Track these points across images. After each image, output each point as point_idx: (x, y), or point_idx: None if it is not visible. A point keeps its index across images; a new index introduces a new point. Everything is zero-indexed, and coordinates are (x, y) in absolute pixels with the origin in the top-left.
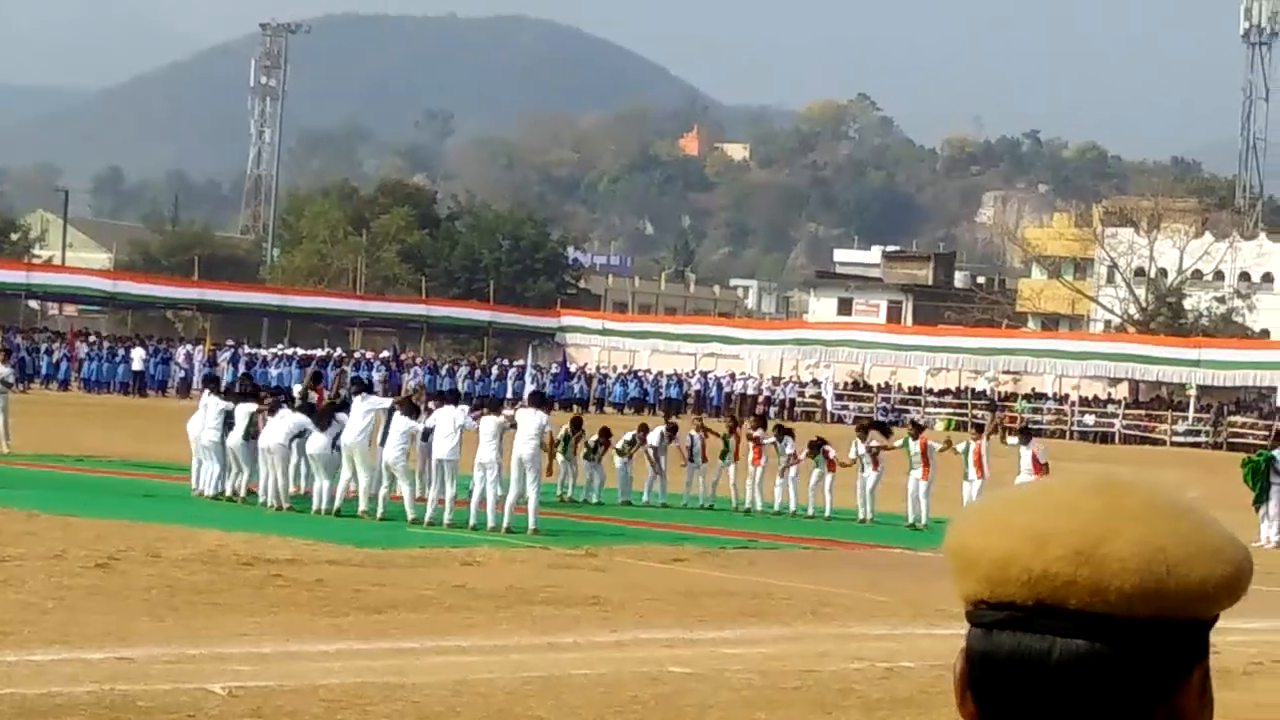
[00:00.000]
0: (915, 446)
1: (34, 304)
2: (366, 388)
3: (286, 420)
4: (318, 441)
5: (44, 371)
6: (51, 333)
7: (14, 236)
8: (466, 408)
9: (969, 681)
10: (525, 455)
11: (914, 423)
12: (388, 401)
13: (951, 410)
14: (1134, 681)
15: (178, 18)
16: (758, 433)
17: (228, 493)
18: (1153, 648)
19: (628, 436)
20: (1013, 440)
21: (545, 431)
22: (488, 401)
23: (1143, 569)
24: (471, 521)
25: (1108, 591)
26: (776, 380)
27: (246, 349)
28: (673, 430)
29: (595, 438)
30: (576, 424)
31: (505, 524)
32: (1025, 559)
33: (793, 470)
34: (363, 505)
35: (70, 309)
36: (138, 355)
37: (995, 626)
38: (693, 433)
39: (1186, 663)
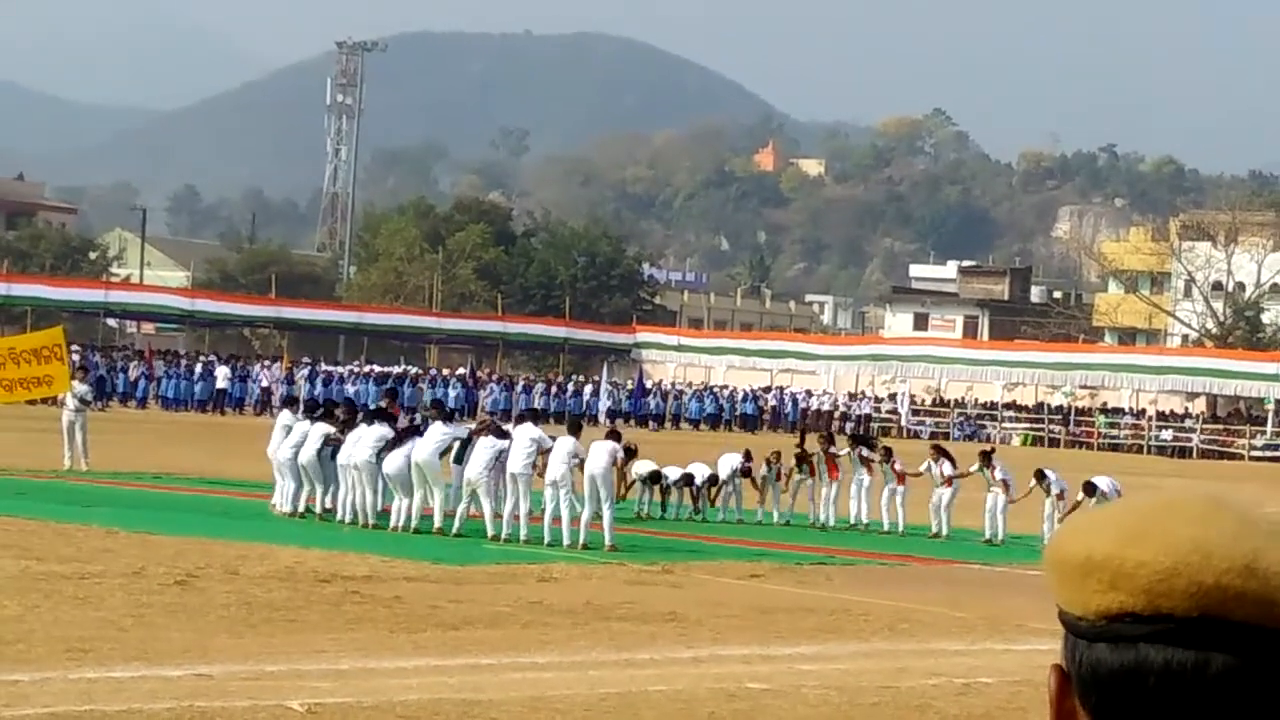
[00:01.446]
0: (988, 474)
1: (112, 322)
2: (446, 415)
3: (370, 434)
4: (394, 461)
5: (121, 389)
6: (130, 350)
7: (92, 255)
8: (540, 429)
9: (1087, 701)
10: (598, 473)
11: (983, 453)
12: (464, 430)
13: (1028, 425)
14: (1278, 699)
15: (251, 37)
16: (832, 448)
17: (301, 509)
18: None
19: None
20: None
21: (617, 455)
22: (567, 419)
23: None
24: (546, 539)
25: (1274, 605)
26: (852, 396)
27: (323, 366)
28: (748, 459)
29: (676, 478)
30: (630, 452)
31: (581, 540)
32: (1193, 571)
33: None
34: (438, 523)
35: (148, 327)
36: (222, 373)
37: (1144, 640)
38: (764, 470)
39: None
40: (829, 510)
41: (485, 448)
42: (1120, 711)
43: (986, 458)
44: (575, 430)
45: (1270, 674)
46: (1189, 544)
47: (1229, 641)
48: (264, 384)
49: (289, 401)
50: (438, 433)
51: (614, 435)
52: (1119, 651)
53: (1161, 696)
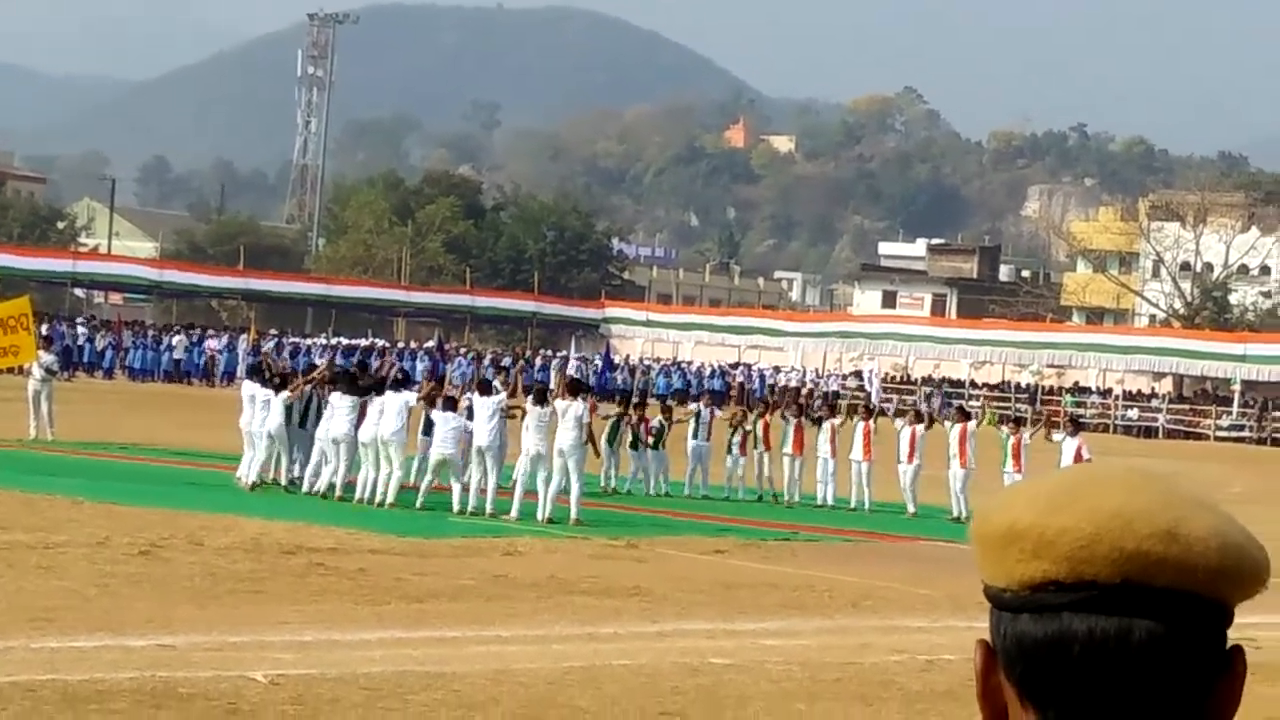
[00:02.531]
0: (955, 433)
1: (80, 293)
2: (405, 381)
3: (344, 406)
4: (367, 432)
5: (87, 359)
6: (98, 321)
7: (60, 225)
8: (503, 396)
9: (1012, 672)
10: (566, 445)
11: (961, 409)
12: (412, 397)
13: (995, 404)
14: (1200, 664)
15: (223, 8)
16: (800, 421)
17: (269, 480)
18: (1215, 631)
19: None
20: (1058, 437)
21: (584, 422)
22: (534, 389)
23: (1220, 550)
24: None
25: (1195, 570)
26: (820, 373)
27: (291, 338)
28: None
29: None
30: (620, 417)
31: (546, 514)
32: (1115, 537)
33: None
34: (390, 498)
35: (116, 298)
36: (179, 342)
37: (1068, 609)
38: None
39: (1226, 651)
40: (794, 489)
41: (448, 423)
42: (1045, 682)
43: (964, 415)
44: (541, 399)
45: (1192, 640)
46: (1111, 511)
47: (1151, 608)
48: (210, 352)
49: (253, 371)
50: (397, 403)
51: (575, 388)
52: (1043, 622)
53: (1086, 665)
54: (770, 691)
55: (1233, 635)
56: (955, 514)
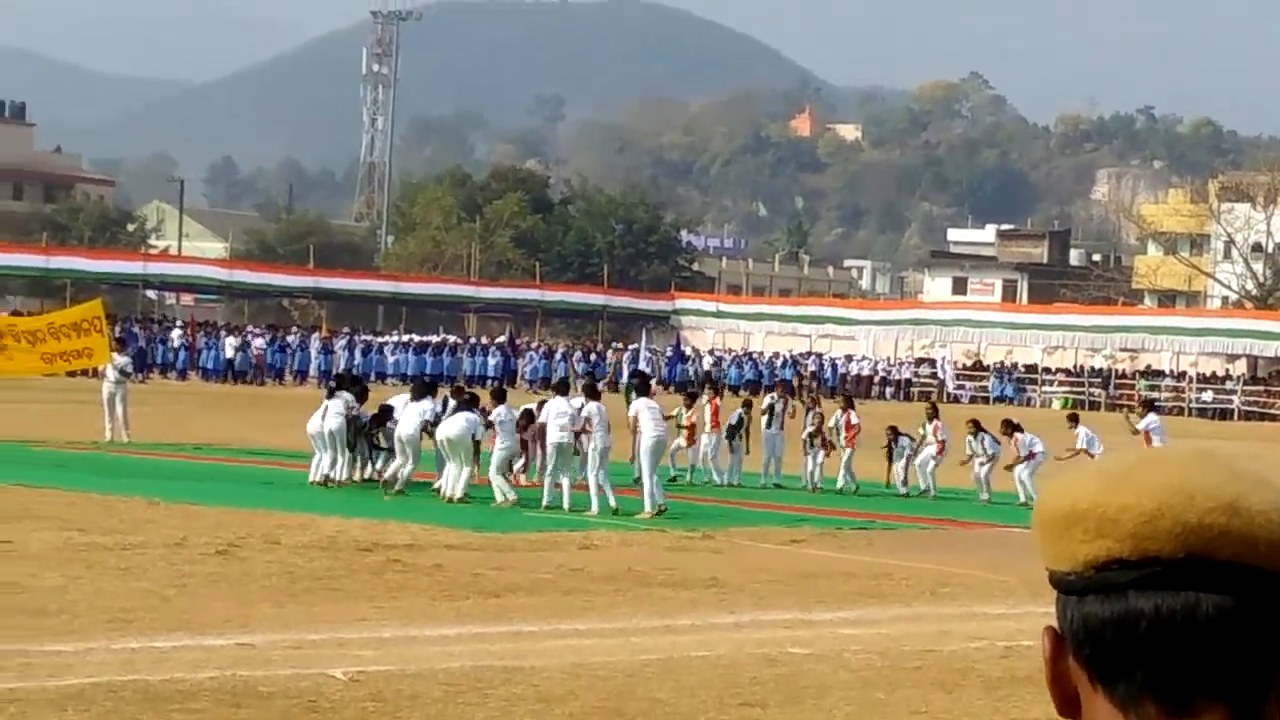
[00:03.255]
0: (974, 444)
1: (151, 294)
2: (469, 404)
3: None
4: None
5: (161, 361)
6: (170, 322)
7: (130, 227)
8: (580, 398)
9: (1080, 654)
10: (648, 444)
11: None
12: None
13: (1068, 389)
14: (1266, 638)
15: (285, 8)
16: (851, 413)
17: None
18: None
19: (733, 419)
20: (1141, 423)
21: (659, 421)
22: (587, 386)
23: None
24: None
25: (1258, 543)
26: (892, 361)
27: (362, 336)
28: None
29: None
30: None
31: (611, 504)
32: (1178, 512)
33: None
34: (459, 493)
35: (187, 298)
36: (229, 344)
37: (1133, 586)
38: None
39: None
40: (847, 475)
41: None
42: (1114, 662)
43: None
44: (594, 394)
45: (1258, 613)
46: (1173, 487)
47: (1216, 582)
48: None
49: (338, 379)
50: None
51: (644, 387)
52: (1108, 602)
53: (1153, 642)
54: (849, 680)
55: None
56: (1024, 499)
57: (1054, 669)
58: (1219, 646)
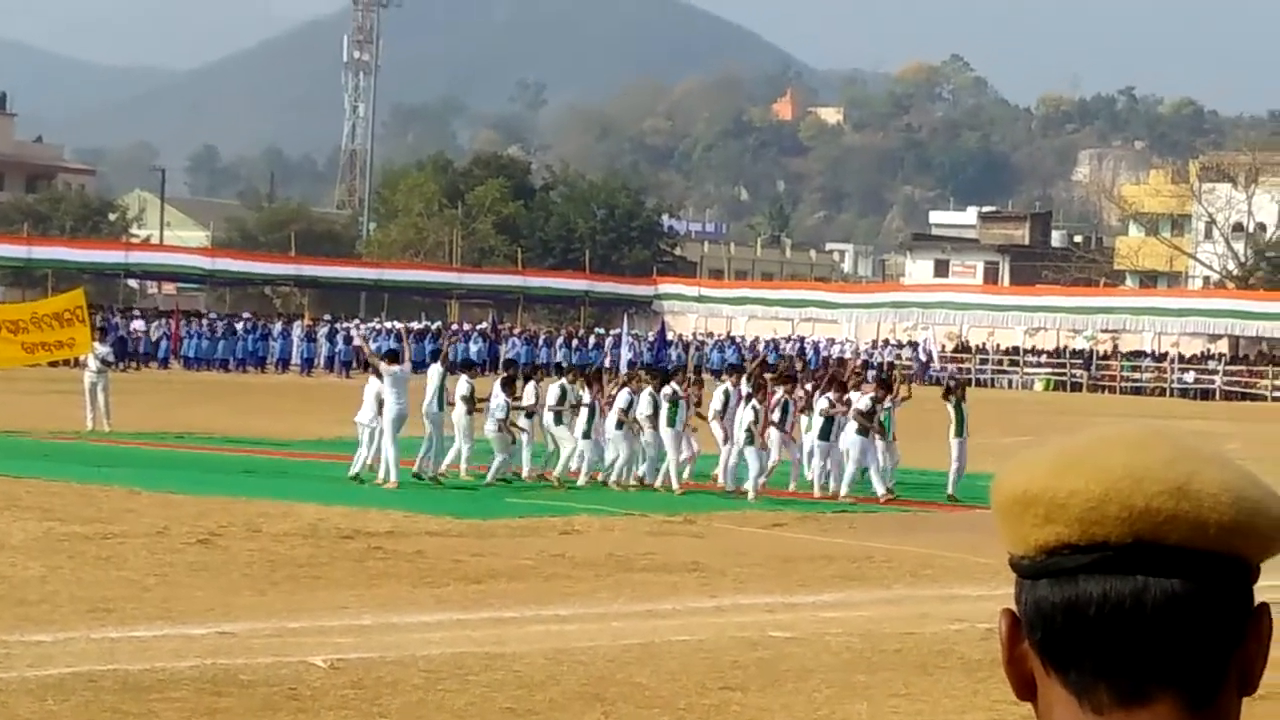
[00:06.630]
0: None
1: (133, 283)
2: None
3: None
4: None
5: (143, 350)
6: (153, 311)
7: (112, 216)
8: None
9: (1033, 639)
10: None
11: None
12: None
13: (1050, 370)
14: (1220, 623)
15: None
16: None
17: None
18: (1236, 588)
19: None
20: None
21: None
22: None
23: (1234, 504)
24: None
25: (1207, 526)
26: (874, 344)
27: (344, 323)
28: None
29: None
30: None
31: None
32: (1125, 496)
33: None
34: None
35: (169, 288)
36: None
37: (1082, 571)
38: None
39: (1251, 608)
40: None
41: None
42: (1065, 647)
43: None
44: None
45: (1212, 598)
46: (1121, 470)
47: (1164, 566)
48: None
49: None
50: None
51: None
52: (1059, 586)
53: (1102, 628)
54: (830, 663)
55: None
56: None
57: (1010, 651)
58: (1170, 632)
